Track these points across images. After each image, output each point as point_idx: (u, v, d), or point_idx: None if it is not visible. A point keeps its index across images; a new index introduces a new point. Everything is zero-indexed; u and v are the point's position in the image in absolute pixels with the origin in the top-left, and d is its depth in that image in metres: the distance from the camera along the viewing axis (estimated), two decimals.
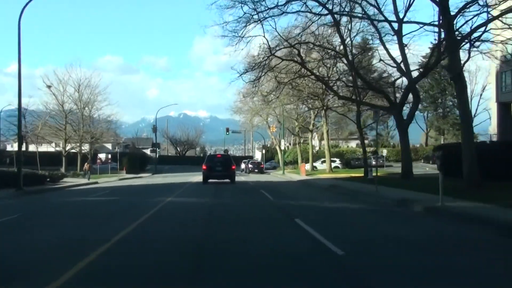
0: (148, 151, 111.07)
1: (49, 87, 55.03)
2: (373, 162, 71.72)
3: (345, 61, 32.32)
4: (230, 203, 19.99)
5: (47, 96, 56.42)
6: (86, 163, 51.64)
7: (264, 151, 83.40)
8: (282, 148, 56.34)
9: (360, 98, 37.04)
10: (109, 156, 63.47)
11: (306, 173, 49.75)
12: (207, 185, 33.86)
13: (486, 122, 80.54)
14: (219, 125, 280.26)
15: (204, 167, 36.95)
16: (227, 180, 37.04)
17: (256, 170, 67.73)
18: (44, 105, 56.64)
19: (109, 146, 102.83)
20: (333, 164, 66.32)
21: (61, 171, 41.57)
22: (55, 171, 46.96)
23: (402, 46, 26.97)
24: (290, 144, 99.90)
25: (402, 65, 28.39)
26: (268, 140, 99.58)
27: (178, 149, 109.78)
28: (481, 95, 78.88)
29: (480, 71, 74.34)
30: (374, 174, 26.31)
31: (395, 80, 35.97)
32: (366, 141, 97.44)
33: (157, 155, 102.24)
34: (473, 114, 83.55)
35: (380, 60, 29.91)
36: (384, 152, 48.45)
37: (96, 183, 41.86)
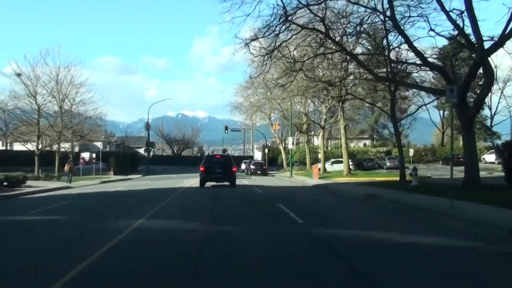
0: (142, 151, 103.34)
1: (18, 75, 47.10)
2: (388, 164, 64.51)
3: (383, 17, 23.81)
4: (237, 235, 11.55)
5: (17, 85, 48.34)
6: (66, 164, 44.08)
7: (266, 151, 75.61)
8: (290, 147, 48.55)
9: (399, 77, 29.35)
10: (93, 155, 55.56)
11: (319, 175, 42.07)
12: (202, 193, 26.28)
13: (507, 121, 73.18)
14: (217, 126, 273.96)
15: (201, 168, 32.62)
16: (227, 183, 33.16)
17: (258, 172, 60.16)
18: (14, 95, 48.37)
19: (99, 144, 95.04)
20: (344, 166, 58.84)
21: (24, 174, 33.52)
22: (29, 172, 39.53)
23: (470, 5, 19.17)
24: (293, 143, 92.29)
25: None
26: (270, 139, 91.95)
27: (174, 149, 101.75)
28: (502, 91, 71.53)
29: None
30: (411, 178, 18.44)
31: (457, 52, 28.17)
32: (371, 141, 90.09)
33: (151, 154, 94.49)
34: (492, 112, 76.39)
35: (431, 30, 22.08)
36: (411, 152, 40.71)
37: (69, 187, 34.15)
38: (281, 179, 48.37)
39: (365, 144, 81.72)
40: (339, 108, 41.03)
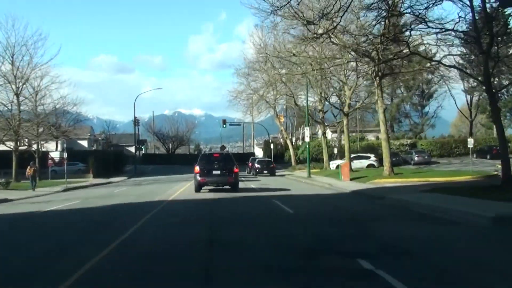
0: (133, 149, 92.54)
1: None
2: (416, 158, 53.92)
3: None
4: None
5: None
6: (29, 167, 33.81)
7: (272, 146, 64.83)
8: (307, 139, 37.77)
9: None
10: (65, 155, 44.88)
11: (346, 175, 31.46)
12: (192, 215, 15.77)
13: None
14: (214, 123, 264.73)
15: (196, 170, 25.73)
16: (227, 187, 26.33)
17: (265, 171, 49.40)
18: None
19: (84, 143, 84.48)
20: (366, 162, 48.35)
21: None
22: None
23: None
24: (300, 138, 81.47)
25: None
26: (276, 133, 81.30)
27: (167, 146, 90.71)
28: None
29: None
30: None
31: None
32: (384, 132, 79.42)
33: (140, 153, 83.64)
34: None
35: None
36: (471, 143, 30.11)
37: (6, 200, 23.52)
38: (297, 181, 37.81)
39: (377, 137, 70.72)
40: (376, 86, 30.42)
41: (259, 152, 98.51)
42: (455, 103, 66.55)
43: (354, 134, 68.33)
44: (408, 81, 46.22)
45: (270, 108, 61.18)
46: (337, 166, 48.72)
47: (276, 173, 50.79)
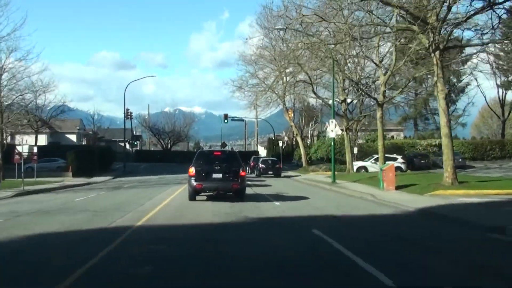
0: (128, 146, 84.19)
1: None
2: None
3: None
4: None
5: None
6: None
7: (281, 145, 56.38)
8: (332, 135, 29.25)
9: None
10: (35, 149, 36.65)
11: (391, 183, 23.13)
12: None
13: None
14: (215, 121, 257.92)
15: (191, 172, 18.98)
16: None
17: (270, 172, 42.85)
18: None
19: (72, 137, 76.20)
20: (393, 163, 39.91)
21: None
22: None
23: None
24: (313, 133, 73.20)
25: None
26: (280, 132, 73.21)
27: (162, 143, 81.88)
28: None
29: None
30: None
31: None
32: (401, 133, 70.70)
33: (131, 149, 75.26)
34: None
35: None
36: None
37: None
38: (319, 187, 29.60)
39: (410, 136, 62.15)
40: (434, 63, 22.08)
41: (262, 152, 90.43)
42: (486, 100, 58.34)
43: (363, 133, 60.03)
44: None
45: (277, 102, 52.70)
46: (358, 169, 40.85)
47: (282, 175, 43.28)
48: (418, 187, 22.52)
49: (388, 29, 25.18)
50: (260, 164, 44.39)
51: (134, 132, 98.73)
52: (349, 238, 10.41)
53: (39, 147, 54.15)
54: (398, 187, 23.22)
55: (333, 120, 29.24)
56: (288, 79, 46.85)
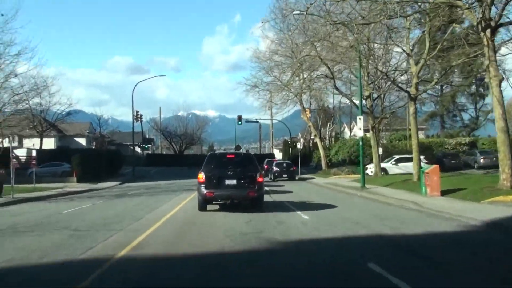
0: (139, 150, 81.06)
1: None
2: (481, 160, 41.74)
3: None
4: None
5: None
6: None
7: (299, 146, 52.63)
8: (360, 134, 25.42)
9: None
10: (33, 153, 33.68)
11: (435, 188, 19.52)
12: None
13: None
14: (228, 125, 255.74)
15: (200, 178, 16.12)
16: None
17: (284, 175, 40.96)
18: None
19: (82, 141, 73.33)
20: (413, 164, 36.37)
21: None
22: None
23: None
24: (330, 134, 69.45)
25: None
26: (295, 135, 69.71)
27: (174, 146, 78.33)
28: None
29: None
30: None
31: None
32: (428, 131, 66.27)
33: (141, 153, 72.23)
34: None
35: None
36: None
37: None
38: (345, 193, 26.02)
39: (437, 135, 57.83)
40: (485, 43, 18.37)
41: (277, 154, 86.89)
42: None
43: (387, 133, 56.17)
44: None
45: (294, 100, 49.00)
46: (382, 171, 37.31)
47: (299, 178, 40.97)
48: (468, 192, 18.87)
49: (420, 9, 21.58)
50: (274, 167, 42.24)
51: (146, 136, 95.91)
52: (433, 279, 6.93)
53: (46, 151, 51.59)
54: (443, 192, 19.63)
55: (361, 117, 25.57)
56: (305, 76, 43.24)
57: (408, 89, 27.57)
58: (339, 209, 17.31)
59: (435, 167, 20.12)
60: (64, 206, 19.35)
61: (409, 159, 38.33)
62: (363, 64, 29.62)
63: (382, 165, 38.45)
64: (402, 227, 12.44)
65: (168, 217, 14.60)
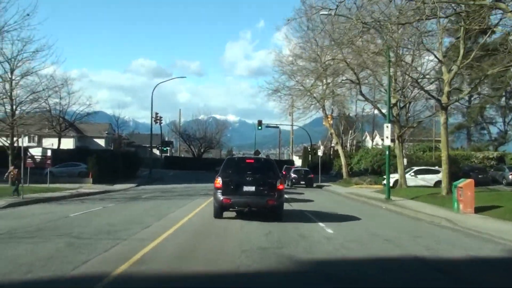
0: (158, 152, 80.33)
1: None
2: (510, 177, 39.77)
3: None
4: None
5: None
6: (12, 167, 25.78)
7: (320, 153, 51.19)
8: (388, 142, 23.69)
9: None
10: (48, 153, 32.87)
11: (469, 204, 17.99)
12: None
13: None
14: (248, 130, 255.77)
15: (217, 183, 15.07)
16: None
17: (302, 182, 40.83)
18: None
19: (101, 142, 72.90)
20: (433, 177, 35.09)
21: None
22: None
23: None
24: (352, 142, 67.83)
25: None
26: (321, 140, 68.31)
27: (193, 149, 77.27)
28: None
29: None
30: None
31: None
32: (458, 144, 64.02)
33: (162, 155, 71.39)
34: None
35: None
36: None
37: None
38: (368, 204, 24.53)
39: (462, 148, 55.72)
40: None
41: (297, 161, 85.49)
42: None
43: (410, 143, 54.40)
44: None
45: (316, 106, 47.60)
46: (393, 184, 36.02)
47: (318, 186, 40.62)
48: (506, 211, 17.31)
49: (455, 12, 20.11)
50: (292, 174, 41.94)
51: (166, 138, 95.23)
52: None
53: (64, 151, 51.06)
54: (477, 209, 18.11)
55: (388, 125, 24.04)
56: (329, 81, 41.86)
57: (439, 98, 25.95)
58: (364, 222, 15.95)
59: (470, 181, 18.62)
60: (72, 209, 18.32)
61: (429, 171, 36.75)
62: (395, 68, 28.16)
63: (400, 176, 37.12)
64: (440, 248, 11.02)
65: (180, 225, 13.41)
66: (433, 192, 26.40)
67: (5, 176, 27.37)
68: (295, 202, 23.56)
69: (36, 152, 32.50)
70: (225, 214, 15.48)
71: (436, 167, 36.48)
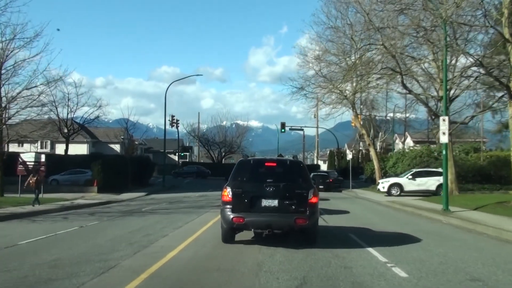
0: (176, 158, 76.20)
1: None
2: None
3: None
4: None
5: None
6: (31, 175, 24.06)
7: (349, 156, 46.32)
8: (444, 140, 18.63)
9: None
10: (42, 158, 28.64)
11: None
12: None
13: None
14: (271, 135, 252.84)
15: (225, 195, 10.48)
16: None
17: (321, 187, 37.19)
18: None
19: (116, 147, 69.00)
20: (434, 181, 30.32)
21: None
22: None
23: None
24: (382, 145, 62.51)
25: None
26: (348, 143, 63.25)
27: (212, 154, 72.37)
28: None
29: None
30: None
31: None
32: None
33: (180, 161, 67.00)
34: None
35: None
36: None
37: None
38: (420, 216, 19.42)
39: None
40: None
41: (322, 166, 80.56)
42: None
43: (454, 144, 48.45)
44: None
45: (344, 103, 42.44)
46: (389, 188, 31.12)
47: (347, 192, 37.80)
48: None
49: None
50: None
51: (187, 144, 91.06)
52: None
53: (77, 157, 47.14)
54: None
55: (446, 118, 18.95)
56: (362, 73, 36.79)
57: (508, 84, 20.68)
58: (431, 247, 11.02)
59: None
60: (36, 230, 13.81)
61: (430, 173, 31.33)
62: (449, 51, 22.99)
63: (397, 179, 32.68)
64: None
65: (161, 265, 8.58)
66: (502, 200, 21.15)
67: (25, 185, 24.44)
68: (327, 214, 18.68)
69: (28, 157, 28.34)
70: (239, 236, 10.88)
71: (439, 169, 30.42)
